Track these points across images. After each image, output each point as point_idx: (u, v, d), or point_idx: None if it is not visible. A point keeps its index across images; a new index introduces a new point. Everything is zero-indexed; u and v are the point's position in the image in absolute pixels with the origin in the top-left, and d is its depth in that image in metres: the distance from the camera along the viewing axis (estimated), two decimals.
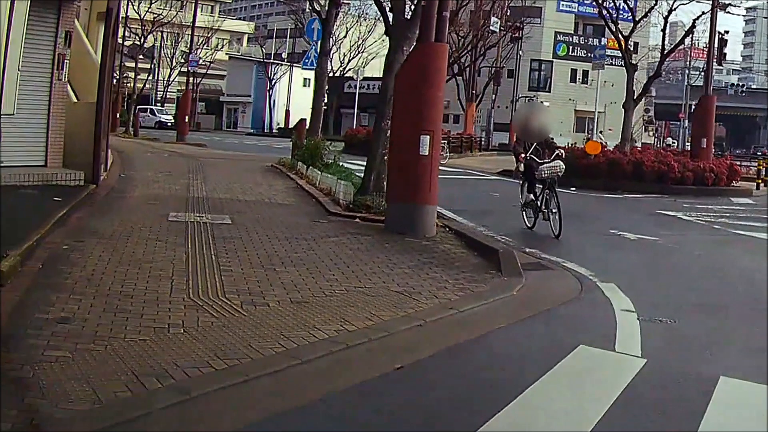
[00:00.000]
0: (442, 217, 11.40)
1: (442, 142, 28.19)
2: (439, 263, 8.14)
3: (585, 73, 51.35)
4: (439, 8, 9.57)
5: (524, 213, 11.84)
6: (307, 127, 20.36)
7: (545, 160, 11.27)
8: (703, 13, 24.73)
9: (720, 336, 6.20)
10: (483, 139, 44.91)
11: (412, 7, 11.91)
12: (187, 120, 36.41)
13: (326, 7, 20.31)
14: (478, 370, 5.07)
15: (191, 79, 42.96)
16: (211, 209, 11.12)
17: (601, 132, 42.64)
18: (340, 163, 17.20)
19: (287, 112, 53.78)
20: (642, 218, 14.62)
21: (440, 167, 10.45)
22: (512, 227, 11.71)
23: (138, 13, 44.07)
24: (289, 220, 10.68)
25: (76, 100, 14.58)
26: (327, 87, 58.56)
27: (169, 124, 48.22)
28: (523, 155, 11.41)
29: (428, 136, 9.36)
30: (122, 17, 42.57)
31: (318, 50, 19.41)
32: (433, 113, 9.49)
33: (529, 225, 11.65)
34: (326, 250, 8.42)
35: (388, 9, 12.81)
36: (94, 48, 16.16)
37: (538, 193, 11.41)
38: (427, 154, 9.38)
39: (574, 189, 17.53)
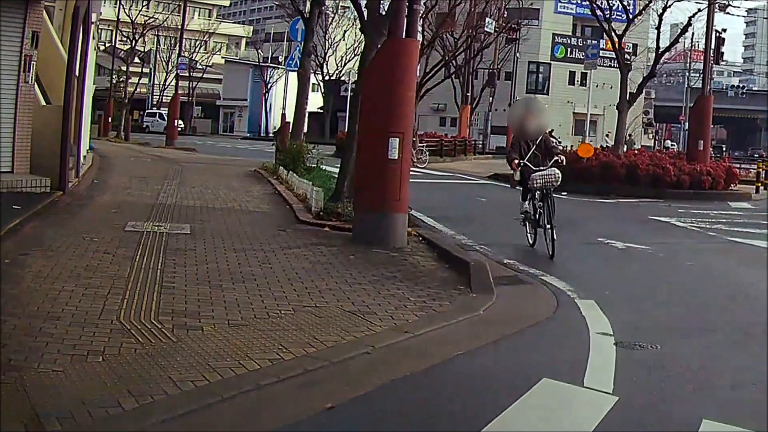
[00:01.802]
0: (419, 225, 10.79)
1: (421, 144, 27.73)
2: (404, 278, 7.49)
3: (584, 76, 50.50)
4: (410, 1, 8.90)
5: (525, 228, 10.44)
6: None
7: (540, 168, 9.91)
8: (699, 10, 24.08)
9: (707, 365, 5.49)
10: (480, 142, 44.42)
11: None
12: (176, 124, 36.09)
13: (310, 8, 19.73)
14: (423, 408, 4.42)
15: (188, 83, 42.53)
16: (174, 218, 10.57)
17: (607, 135, 41.94)
18: (324, 168, 16.62)
19: (283, 115, 53.22)
20: (633, 225, 14.01)
21: (426, 170, 9.77)
22: (495, 236, 11.07)
23: (129, 16, 43.60)
24: (253, 229, 10.07)
25: (44, 103, 14.05)
26: (324, 91, 57.70)
27: (179, 129, 47.81)
28: (517, 161, 9.96)
29: (397, 139, 8.63)
30: (113, 20, 42.52)
31: (301, 51, 18.80)
32: (402, 114, 8.77)
33: (530, 242, 10.27)
34: (283, 264, 7.80)
35: (363, 5, 12.20)
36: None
37: (536, 204, 10.04)
38: (396, 158, 8.66)
39: (565, 194, 16.82)
